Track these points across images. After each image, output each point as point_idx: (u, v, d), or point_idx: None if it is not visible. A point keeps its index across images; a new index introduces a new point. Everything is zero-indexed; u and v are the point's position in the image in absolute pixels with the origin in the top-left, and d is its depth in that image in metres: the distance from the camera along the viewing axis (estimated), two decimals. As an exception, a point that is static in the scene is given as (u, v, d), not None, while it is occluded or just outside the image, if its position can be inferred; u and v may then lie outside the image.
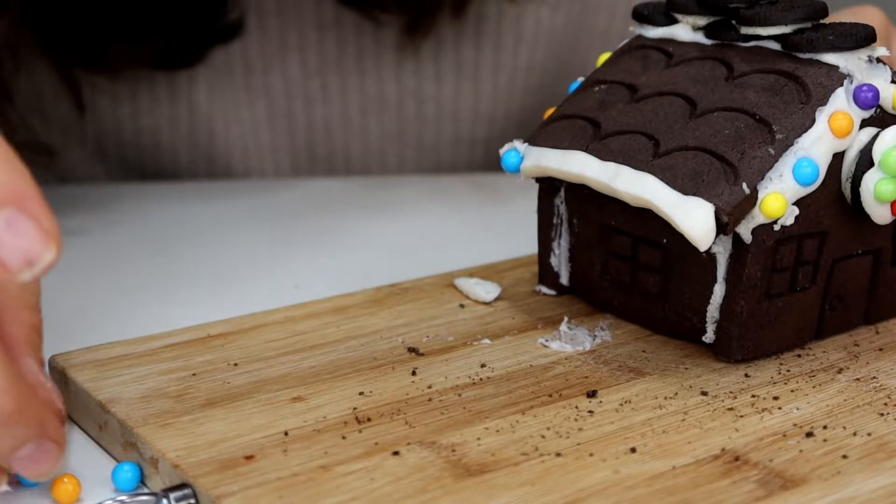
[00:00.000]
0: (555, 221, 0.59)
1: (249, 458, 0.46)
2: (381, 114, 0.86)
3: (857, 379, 0.52)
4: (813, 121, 0.52)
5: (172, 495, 0.44)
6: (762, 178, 0.51)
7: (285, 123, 0.85)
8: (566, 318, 0.57)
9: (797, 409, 0.50)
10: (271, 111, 0.85)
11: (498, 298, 0.60)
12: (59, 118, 0.83)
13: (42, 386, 0.44)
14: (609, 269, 0.57)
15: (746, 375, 0.53)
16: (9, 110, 0.77)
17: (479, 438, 0.47)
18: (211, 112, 0.84)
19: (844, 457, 0.46)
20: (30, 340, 0.44)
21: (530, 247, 0.61)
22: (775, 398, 0.51)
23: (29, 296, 0.44)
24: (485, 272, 0.62)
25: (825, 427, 0.48)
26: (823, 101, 0.52)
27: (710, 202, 0.50)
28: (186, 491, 0.44)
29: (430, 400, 0.50)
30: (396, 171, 0.88)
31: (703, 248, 0.50)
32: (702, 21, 0.57)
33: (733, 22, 0.56)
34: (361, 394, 0.50)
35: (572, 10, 0.88)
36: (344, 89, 0.85)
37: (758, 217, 0.51)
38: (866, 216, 0.53)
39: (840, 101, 0.52)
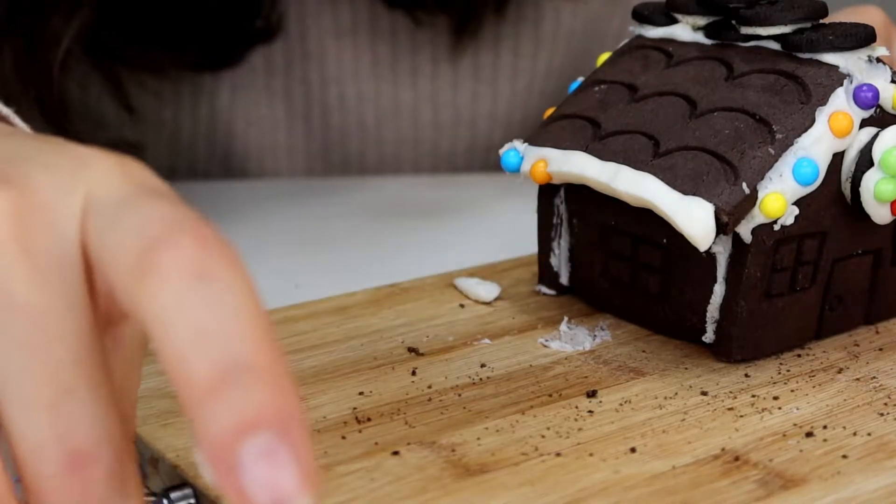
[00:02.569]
0: (555, 221, 0.59)
1: (249, 458, 0.45)
2: (396, 119, 0.86)
3: (857, 379, 0.52)
4: (813, 121, 0.52)
5: (172, 495, 0.44)
6: (762, 178, 0.51)
7: (303, 127, 0.85)
8: (566, 318, 0.57)
9: (797, 409, 0.50)
10: (290, 113, 0.84)
11: (498, 298, 0.60)
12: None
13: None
14: (609, 269, 0.57)
15: (746, 375, 0.53)
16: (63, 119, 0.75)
17: (479, 438, 0.47)
18: (232, 112, 0.83)
19: (844, 457, 0.46)
20: None
21: (530, 247, 0.61)
22: (775, 398, 0.51)
23: None
24: (485, 272, 0.62)
25: (825, 427, 0.48)
26: (823, 100, 0.52)
27: (710, 202, 0.50)
28: (186, 491, 0.44)
29: (430, 400, 0.50)
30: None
31: (703, 248, 0.50)
32: (702, 21, 0.57)
33: (733, 22, 0.56)
34: (361, 394, 0.50)
35: (589, 13, 0.88)
36: (360, 96, 0.85)
37: (758, 217, 0.51)
38: (866, 216, 0.53)
39: (840, 100, 0.52)
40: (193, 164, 0.86)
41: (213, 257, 0.32)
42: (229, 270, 0.32)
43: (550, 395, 0.51)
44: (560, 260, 0.60)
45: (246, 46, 0.80)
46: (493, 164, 0.89)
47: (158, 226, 0.32)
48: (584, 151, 0.54)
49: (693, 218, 0.50)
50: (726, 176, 0.50)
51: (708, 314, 0.53)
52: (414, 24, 0.82)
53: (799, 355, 0.55)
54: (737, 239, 0.51)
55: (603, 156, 0.54)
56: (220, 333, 0.31)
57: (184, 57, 0.79)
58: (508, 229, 0.70)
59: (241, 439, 0.29)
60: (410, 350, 0.54)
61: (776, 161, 0.51)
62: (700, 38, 0.57)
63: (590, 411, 0.49)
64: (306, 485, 0.30)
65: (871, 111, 0.53)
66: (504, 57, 0.86)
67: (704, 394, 0.51)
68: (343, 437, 0.47)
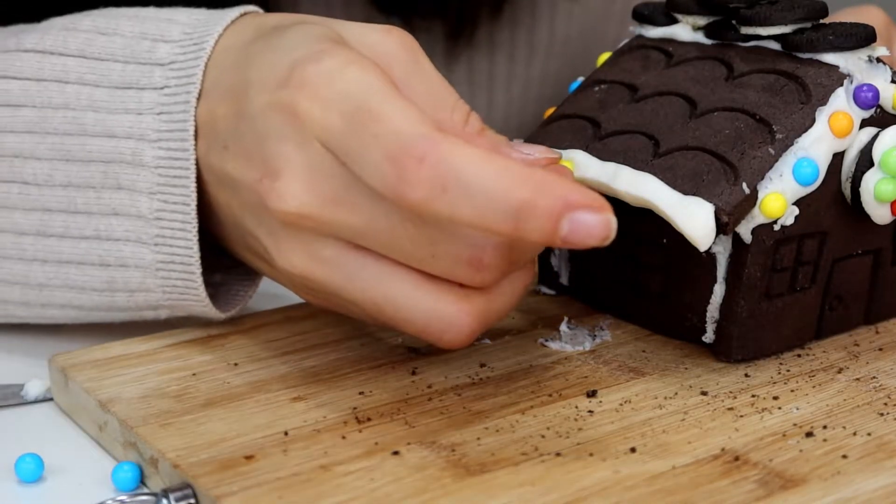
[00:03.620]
0: (555, 221, 0.59)
1: (249, 458, 0.46)
2: None
3: (857, 379, 0.52)
4: (813, 121, 0.52)
5: (172, 495, 0.44)
6: (762, 178, 0.51)
7: None
8: (566, 318, 0.57)
9: (797, 409, 0.50)
10: None
11: (498, 298, 0.60)
12: None
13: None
14: (609, 269, 0.57)
15: (746, 375, 0.53)
16: None
17: (479, 438, 0.47)
18: None
19: (844, 457, 0.46)
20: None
21: (530, 247, 0.61)
22: (775, 398, 0.51)
23: None
24: (485, 272, 0.62)
25: (825, 427, 0.48)
26: (823, 100, 0.52)
27: (711, 202, 0.50)
28: (186, 491, 0.44)
29: (430, 400, 0.50)
30: None
31: (703, 248, 0.50)
32: (702, 21, 0.57)
33: (733, 22, 0.56)
34: (361, 394, 0.50)
35: (585, 19, 0.87)
36: None
37: (758, 217, 0.51)
38: (866, 216, 0.53)
39: (840, 100, 0.52)
40: None
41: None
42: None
43: (550, 395, 0.51)
44: (560, 260, 0.60)
45: None
46: None
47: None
48: (584, 151, 0.54)
49: (693, 218, 0.50)
50: (726, 176, 0.50)
51: (708, 314, 0.53)
52: (409, 30, 0.82)
53: (799, 355, 0.55)
54: (737, 239, 0.51)
55: (603, 156, 0.54)
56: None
57: None
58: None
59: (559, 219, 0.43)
60: (410, 350, 0.54)
61: (776, 161, 0.51)
62: (700, 38, 0.57)
63: (590, 411, 0.49)
64: (603, 211, 0.44)
65: (872, 111, 0.53)
66: (499, 63, 0.85)
67: (704, 394, 0.51)
68: (343, 437, 0.47)
